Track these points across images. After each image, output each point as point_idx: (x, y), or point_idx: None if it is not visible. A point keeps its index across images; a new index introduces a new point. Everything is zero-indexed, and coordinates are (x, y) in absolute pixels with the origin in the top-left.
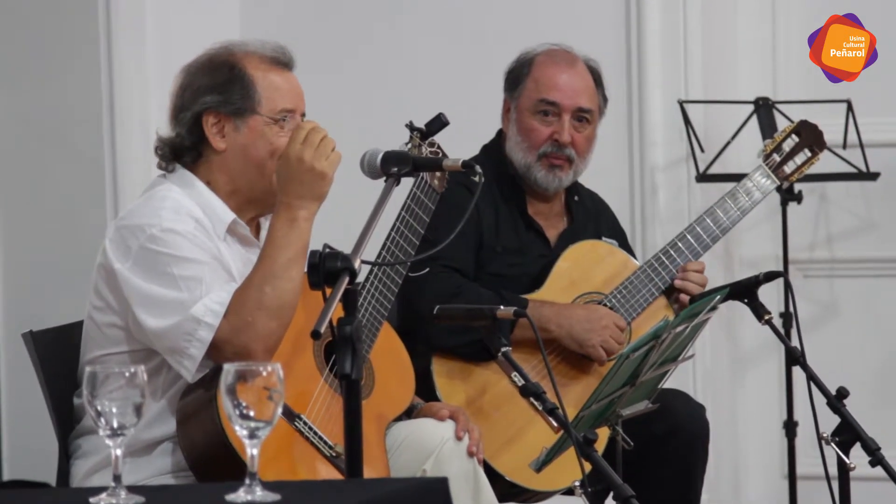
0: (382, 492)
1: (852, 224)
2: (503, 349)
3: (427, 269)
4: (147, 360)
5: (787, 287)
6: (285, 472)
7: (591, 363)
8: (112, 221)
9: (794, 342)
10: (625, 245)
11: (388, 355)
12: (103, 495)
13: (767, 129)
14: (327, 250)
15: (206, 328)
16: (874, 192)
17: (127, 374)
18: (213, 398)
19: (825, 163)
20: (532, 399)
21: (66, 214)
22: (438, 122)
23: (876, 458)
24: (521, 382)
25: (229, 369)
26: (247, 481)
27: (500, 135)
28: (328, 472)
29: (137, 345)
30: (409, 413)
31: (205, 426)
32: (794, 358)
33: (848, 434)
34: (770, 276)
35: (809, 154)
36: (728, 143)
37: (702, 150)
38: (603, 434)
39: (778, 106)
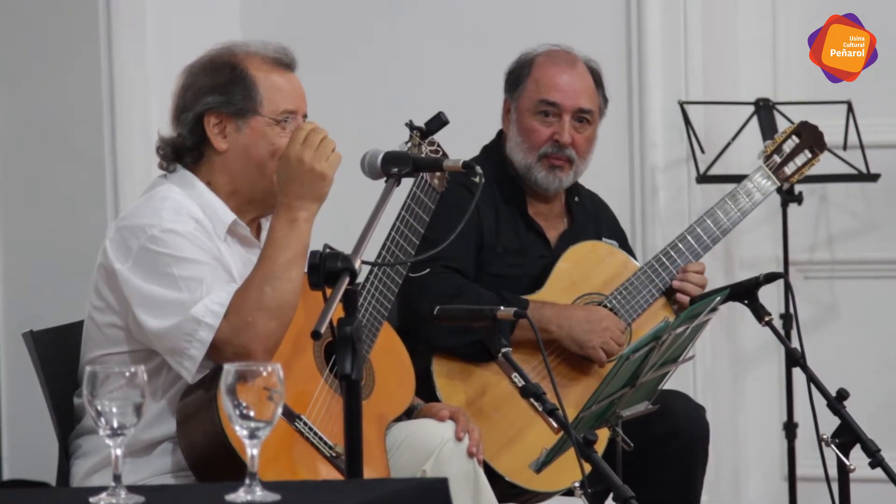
0: (382, 492)
1: (853, 225)
2: (503, 350)
3: (427, 270)
4: (147, 360)
5: (788, 288)
6: (285, 473)
7: (591, 364)
8: (112, 221)
9: (795, 343)
10: (625, 246)
11: (389, 356)
12: (103, 495)
13: (768, 130)
14: (327, 251)
15: (206, 329)
16: (874, 193)
17: (127, 374)
18: (214, 398)
19: (825, 164)
20: (532, 400)
21: (67, 214)
22: (438, 121)
23: (876, 459)
24: (521, 383)
25: (229, 369)
26: (247, 481)
27: (501, 135)
28: (328, 473)
29: (137, 345)
30: (410, 413)
31: (205, 426)
32: (795, 359)
33: (848, 435)
34: (770, 278)
35: (810, 155)
36: (728, 144)
37: (702, 151)
38: (603, 435)
39: (778, 107)
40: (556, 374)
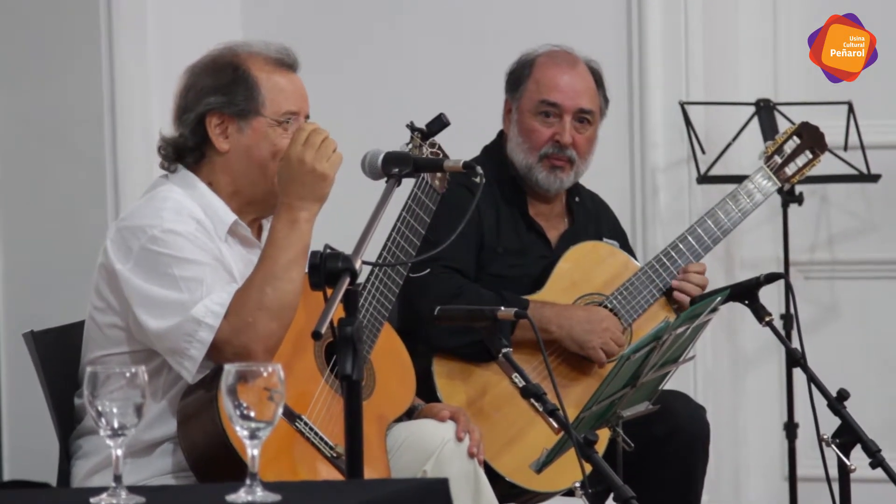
0: (383, 492)
1: (853, 226)
2: (504, 350)
3: (428, 270)
4: (148, 360)
5: (788, 289)
6: (286, 473)
7: (591, 364)
8: (113, 222)
9: (795, 344)
10: (626, 246)
11: (389, 356)
12: (104, 495)
13: (768, 130)
14: (328, 251)
15: (206, 329)
16: (875, 193)
17: (128, 375)
18: (214, 399)
19: (826, 164)
20: (533, 400)
21: (67, 214)
22: (439, 123)
23: (876, 459)
24: (521, 383)
25: (230, 370)
26: (247, 482)
27: (501, 136)
28: (329, 473)
29: (138, 345)
30: (410, 414)
31: (205, 427)
32: (795, 359)
33: (848, 436)
34: (771, 278)
35: (811, 156)
36: (729, 145)
37: (703, 152)
38: (603, 435)
39: (779, 107)
40: (556, 375)
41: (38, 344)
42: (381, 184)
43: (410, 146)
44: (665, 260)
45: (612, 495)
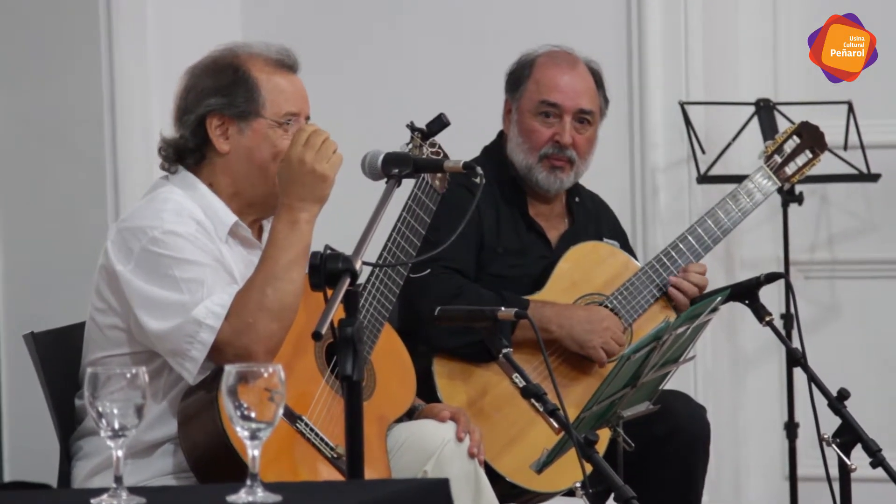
0: (383, 493)
1: (853, 225)
2: (504, 350)
3: (428, 271)
4: (149, 361)
5: (788, 288)
6: (286, 474)
7: (591, 364)
8: (113, 223)
9: (795, 343)
10: (626, 246)
11: (390, 356)
12: (104, 496)
13: (768, 130)
14: (328, 252)
15: (207, 330)
16: (875, 193)
17: (128, 376)
18: (215, 399)
19: (826, 164)
20: (533, 400)
21: (67, 215)
22: (439, 123)
23: (877, 459)
24: (522, 384)
25: (230, 370)
26: (248, 482)
27: (501, 136)
28: (329, 474)
29: (139, 347)
30: (411, 414)
31: (206, 427)
32: (795, 359)
33: (849, 435)
34: (771, 278)
35: (810, 155)
36: (729, 145)
37: (703, 152)
38: (604, 435)
39: (779, 107)
40: (556, 375)
41: (39, 345)
42: (382, 184)
43: (410, 146)
44: (665, 260)
45: (612, 495)
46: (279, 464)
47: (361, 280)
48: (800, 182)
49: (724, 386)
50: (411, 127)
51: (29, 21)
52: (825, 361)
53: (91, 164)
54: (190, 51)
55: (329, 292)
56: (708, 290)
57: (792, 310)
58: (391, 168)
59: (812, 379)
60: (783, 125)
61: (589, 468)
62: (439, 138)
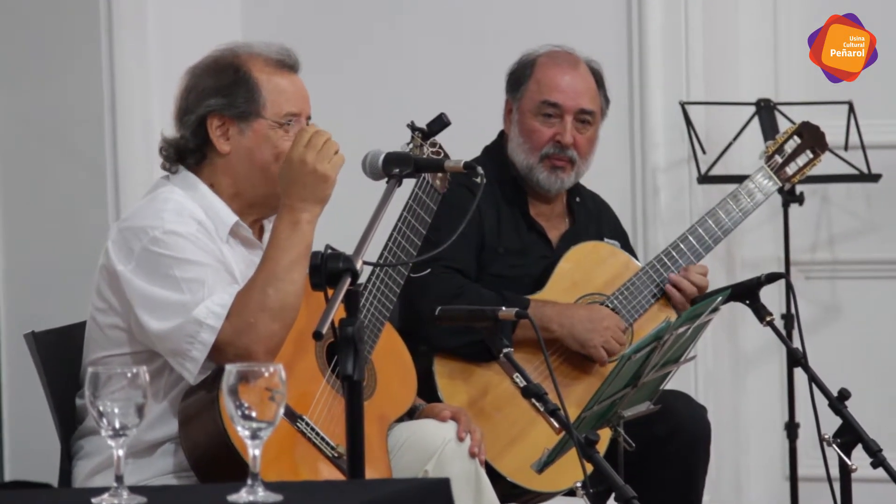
0: (384, 493)
1: (854, 225)
2: (505, 350)
3: (429, 270)
4: (149, 361)
5: (789, 288)
6: (287, 473)
7: (592, 364)
8: (114, 223)
9: (796, 343)
10: (627, 246)
11: (390, 356)
12: (105, 496)
13: (769, 130)
14: (329, 251)
15: (208, 330)
16: (876, 193)
17: (129, 375)
18: (216, 399)
19: (827, 164)
20: (534, 400)
21: (67, 215)
22: (440, 123)
23: (878, 459)
24: (522, 383)
25: (231, 370)
26: (249, 482)
27: (502, 136)
28: (330, 473)
29: (140, 346)
30: (411, 414)
31: (207, 427)
32: (796, 359)
33: (849, 435)
34: (771, 278)
35: (811, 155)
36: (730, 145)
37: (703, 152)
38: (604, 435)
39: (779, 107)
40: (557, 374)
41: (40, 344)
42: (382, 184)
43: (411, 146)
44: (666, 260)
45: (613, 495)
46: (280, 463)
47: (362, 280)
48: (800, 182)
49: (724, 386)
50: (412, 127)
51: (29, 21)
52: (826, 361)
53: (91, 164)
54: (190, 51)
55: (330, 292)
56: (709, 290)
57: (793, 310)
58: (392, 168)
59: (813, 379)
60: (784, 125)
61: (590, 468)
62: (440, 138)
